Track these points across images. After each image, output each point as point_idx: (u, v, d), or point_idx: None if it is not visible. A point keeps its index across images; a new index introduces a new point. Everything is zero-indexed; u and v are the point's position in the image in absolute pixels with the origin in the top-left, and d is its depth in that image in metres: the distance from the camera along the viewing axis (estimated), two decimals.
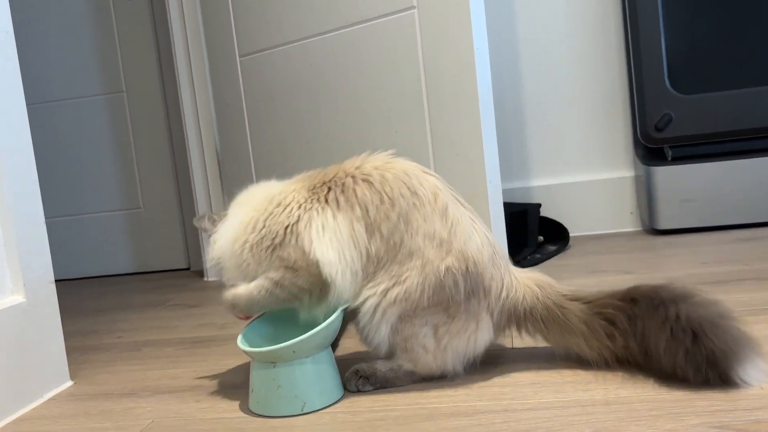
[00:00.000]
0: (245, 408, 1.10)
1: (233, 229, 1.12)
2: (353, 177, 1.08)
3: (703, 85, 2.22)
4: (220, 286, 1.16)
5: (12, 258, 1.24)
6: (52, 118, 2.76)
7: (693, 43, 2.25)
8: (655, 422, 0.87)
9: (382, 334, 1.05)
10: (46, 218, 1.33)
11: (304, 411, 1.03)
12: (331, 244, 1.04)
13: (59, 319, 1.34)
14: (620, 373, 1.05)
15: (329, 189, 1.08)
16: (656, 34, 2.22)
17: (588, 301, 1.06)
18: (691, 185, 2.22)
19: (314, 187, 1.10)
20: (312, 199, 1.08)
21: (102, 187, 2.80)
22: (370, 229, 1.05)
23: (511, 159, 2.47)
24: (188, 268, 2.75)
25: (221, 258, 1.14)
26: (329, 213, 1.06)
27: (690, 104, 2.21)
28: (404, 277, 1.03)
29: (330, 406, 1.05)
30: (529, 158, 2.50)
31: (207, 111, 2.33)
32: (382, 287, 1.04)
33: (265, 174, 2.21)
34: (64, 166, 2.79)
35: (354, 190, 1.06)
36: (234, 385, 1.22)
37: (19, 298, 1.24)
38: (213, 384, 1.25)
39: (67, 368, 1.35)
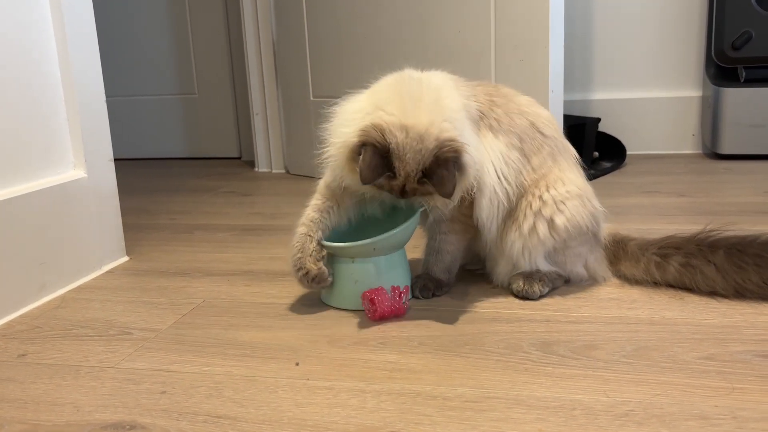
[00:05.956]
0: (293, 294, 1.13)
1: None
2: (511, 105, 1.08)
3: None
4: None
5: (75, 133, 1.27)
6: None
7: None
8: (699, 345, 0.87)
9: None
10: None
11: None
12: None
13: (117, 196, 1.38)
14: (667, 295, 1.04)
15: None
16: None
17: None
18: (762, 110, 2.11)
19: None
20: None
21: (158, 69, 2.80)
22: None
23: (574, 69, 2.38)
24: (239, 158, 2.79)
25: None
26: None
27: None
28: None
29: None
30: (593, 69, 2.40)
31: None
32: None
33: (319, 66, 2.20)
34: (122, 46, 2.79)
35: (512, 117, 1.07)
36: (283, 273, 1.26)
37: (80, 173, 1.28)
38: (263, 270, 1.29)
39: (123, 244, 1.41)
